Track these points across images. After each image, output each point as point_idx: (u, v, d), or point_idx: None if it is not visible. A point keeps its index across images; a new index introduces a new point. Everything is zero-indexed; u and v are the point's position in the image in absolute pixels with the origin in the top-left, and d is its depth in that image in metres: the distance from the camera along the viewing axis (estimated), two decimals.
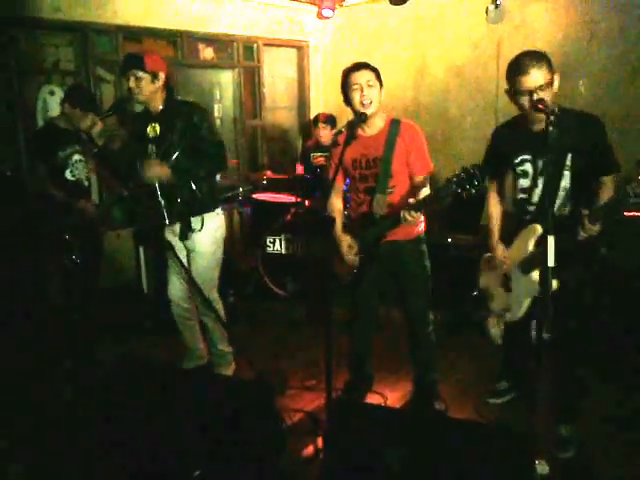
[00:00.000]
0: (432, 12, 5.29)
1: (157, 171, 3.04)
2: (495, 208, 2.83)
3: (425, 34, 5.39)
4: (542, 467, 2.45)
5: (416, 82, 5.48)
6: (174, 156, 3.06)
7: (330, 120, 5.13)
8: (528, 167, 2.55)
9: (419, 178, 2.81)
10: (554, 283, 2.32)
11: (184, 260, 3.28)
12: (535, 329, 2.20)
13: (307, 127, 6.41)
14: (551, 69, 2.36)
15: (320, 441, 2.74)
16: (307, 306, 4.54)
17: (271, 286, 4.81)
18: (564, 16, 4.40)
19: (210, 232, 3.23)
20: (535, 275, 2.45)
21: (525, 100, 2.36)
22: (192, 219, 3.17)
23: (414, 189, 2.83)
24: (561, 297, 2.30)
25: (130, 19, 4.95)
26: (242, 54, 5.86)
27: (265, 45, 6.01)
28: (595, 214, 2.22)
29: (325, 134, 5.06)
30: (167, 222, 3.18)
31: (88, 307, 3.93)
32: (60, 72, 4.82)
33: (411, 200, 2.62)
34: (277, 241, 4.85)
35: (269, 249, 4.85)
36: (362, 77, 2.76)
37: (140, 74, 2.99)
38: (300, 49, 6.35)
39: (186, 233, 3.18)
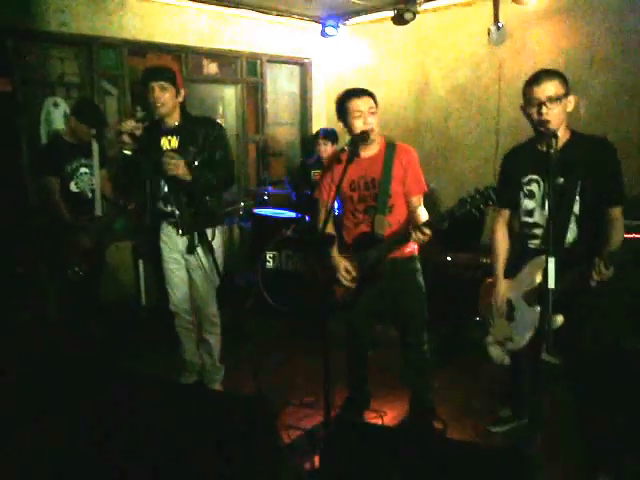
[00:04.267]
0: (435, 32, 5.34)
1: (180, 165, 2.97)
2: (502, 244, 2.74)
3: (427, 54, 5.44)
4: None
5: (418, 101, 5.53)
6: (192, 167, 3.05)
7: (331, 136, 5.04)
8: (535, 188, 2.52)
9: (415, 198, 2.86)
10: (559, 319, 2.32)
11: (185, 274, 3.30)
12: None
13: (308, 143, 6.44)
14: (564, 85, 2.37)
15: (318, 459, 2.73)
16: (306, 322, 4.52)
17: (270, 302, 4.80)
18: (565, 39, 4.45)
19: (216, 247, 3.23)
20: (538, 310, 2.43)
21: (534, 112, 2.36)
22: (204, 231, 3.17)
23: (410, 208, 2.87)
24: (568, 330, 2.29)
25: (135, 34, 5.00)
26: (245, 70, 5.91)
27: (268, 61, 6.07)
28: (611, 258, 2.16)
29: (325, 150, 4.92)
30: (180, 233, 3.18)
31: (89, 321, 3.93)
32: (65, 85, 4.86)
33: (424, 219, 2.66)
34: (277, 257, 4.85)
35: (269, 264, 4.85)
36: (364, 104, 2.78)
37: (167, 86, 3.00)
38: (303, 66, 6.41)
39: (194, 246, 3.18)
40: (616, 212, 2.38)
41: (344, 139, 5.29)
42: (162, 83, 2.98)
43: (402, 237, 2.71)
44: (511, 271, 2.68)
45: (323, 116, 6.54)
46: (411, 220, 2.83)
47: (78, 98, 4.79)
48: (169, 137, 3.13)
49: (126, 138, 2.92)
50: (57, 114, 4.74)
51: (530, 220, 2.56)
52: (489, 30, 4.89)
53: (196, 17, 5.35)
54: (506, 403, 3.13)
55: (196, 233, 3.16)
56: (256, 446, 2.34)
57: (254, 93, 6.10)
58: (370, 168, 2.87)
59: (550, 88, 2.33)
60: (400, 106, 5.65)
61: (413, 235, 2.60)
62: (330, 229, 3.06)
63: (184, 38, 5.30)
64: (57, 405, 3.28)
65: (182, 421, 2.39)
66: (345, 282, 2.89)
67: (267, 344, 4.30)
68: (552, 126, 2.32)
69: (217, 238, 3.26)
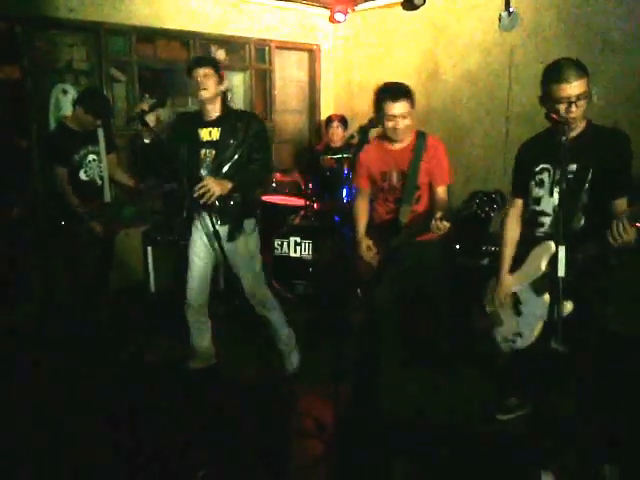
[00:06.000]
0: (445, 18, 5.28)
1: (217, 190, 3.00)
2: (511, 232, 2.74)
3: (437, 40, 5.38)
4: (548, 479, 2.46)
5: (427, 88, 5.48)
6: (230, 162, 3.12)
7: (343, 121, 5.19)
8: (545, 176, 2.52)
9: (439, 188, 3.00)
10: (569, 306, 2.31)
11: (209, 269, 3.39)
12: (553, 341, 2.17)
13: (317, 131, 6.42)
14: (589, 81, 2.36)
15: (325, 445, 2.75)
16: (317, 310, 4.54)
17: (278, 288, 4.81)
18: (577, 25, 4.39)
19: (251, 235, 3.33)
20: (547, 298, 2.43)
21: (562, 108, 2.33)
22: (242, 221, 3.25)
23: (435, 198, 3.00)
24: (578, 314, 2.30)
25: (144, 20, 4.98)
26: (254, 57, 5.88)
27: (277, 48, 6.03)
28: (636, 214, 2.07)
29: (338, 133, 5.15)
30: (219, 223, 3.21)
31: (99, 308, 3.96)
32: (73, 71, 4.85)
33: (439, 214, 2.69)
34: (285, 244, 4.85)
35: (277, 252, 4.86)
36: (399, 110, 2.89)
37: (211, 72, 3.06)
38: (312, 52, 6.37)
39: (234, 235, 3.23)
40: (622, 203, 2.35)
41: (353, 125, 5.31)
42: (206, 70, 3.04)
43: (423, 227, 2.80)
44: (517, 263, 2.67)
45: (332, 103, 6.51)
46: (433, 210, 2.90)
47: (85, 87, 4.78)
48: (210, 129, 3.17)
49: (145, 125, 3.01)
50: (66, 101, 4.73)
51: (537, 208, 2.56)
52: (500, 16, 4.83)
53: (204, 3, 5.31)
54: (512, 391, 3.14)
55: (236, 223, 3.23)
56: (262, 431, 2.36)
57: (262, 80, 6.07)
58: (400, 160, 3.02)
59: (581, 86, 2.31)
60: None
61: (432, 225, 2.67)
62: (364, 212, 3.24)
63: (192, 24, 5.28)
64: (67, 394, 3.33)
65: (186, 406, 2.41)
66: (367, 257, 3.07)
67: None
68: (577, 121, 2.33)
69: (252, 226, 3.33)
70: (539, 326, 2.51)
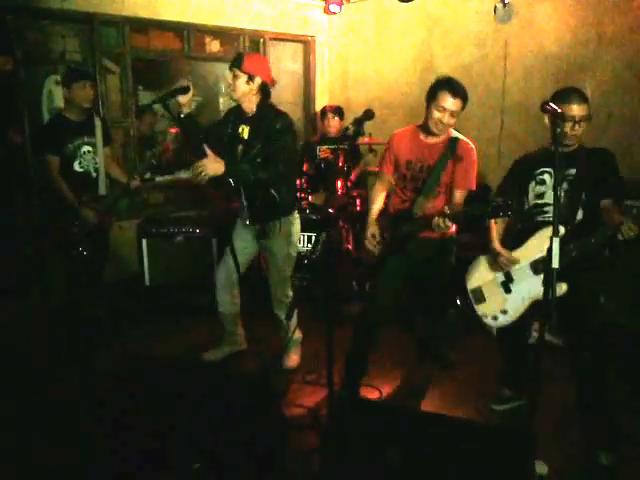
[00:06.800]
0: (439, 10, 5.27)
1: (211, 170, 2.96)
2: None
3: (432, 32, 5.37)
4: (541, 467, 2.48)
5: (422, 80, 5.46)
6: (259, 159, 3.13)
7: (338, 111, 5.21)
8: (547, 177, 2.77)
9: (458, 191, 2.99)
10: (564, 286, 2.54)
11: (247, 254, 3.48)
12: (538, 330, 2.23)
13: (312, 123, 6.40)
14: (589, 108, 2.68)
15: (320, 436, 2.76)
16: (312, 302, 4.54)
17: None
18: (572, 17, 4.39)
19: (286, 235, 3.35)
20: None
21: (567, 126, 2.63)
22: (270, 223, 3.29)
23: (451, 200, 3.01)
24: (574, 299, 2.52)
25: (137, 11, 4.94)
26: (248, 48, 5.84)
27: (271, 39, 6.00)
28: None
29: (334, 124, 5.18)
30: (248, 223, 3.32)
31: (93, 301, 3.95)
32: (66, 62, 4.81)
33: (446, 209, 2.73)
34: None
35: None
36: (453, 106, 2.89)
37: (237, 72, 3.09)
38: (306, 44, 6.34)
39: (264, 234, 3.31)
40: (608, 202, 2.66)
41: (347, 117, 5.30)
42: (234, 69, 3.10)
43: (428, 223, 2.80)
44: (514, 243, 2.83)
45: (326, 95, 6.49)
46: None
47: (63, 69, 4.66)
48: (243, 126, 3.24)
49: (183, 100, 3.15)
50: (59, 92, 4.70)
51: (541, 201, 2.79)
52: (495, 7, 4.82)
53: None
54: (506, 382, 3.17)
55: (265, 223, 3.29)
56: (260, 424, 2.37)
57: None
58: (428, 154, 3.01)
59: (584, 109, 2.65)
60: (404, 85, 5.60)
61: (433, 222, 2.71)
62: (379, 199, 3.23)
63: (186, 15, 5.24)
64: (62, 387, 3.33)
65: (183, 399, 2.42)
66: (368, 245, 3.09)
67: (270, 324, 4.32)
68: (577, 140, 2.68)
69: (292, 226, 3.37)
70: (526, 305, 2.75)
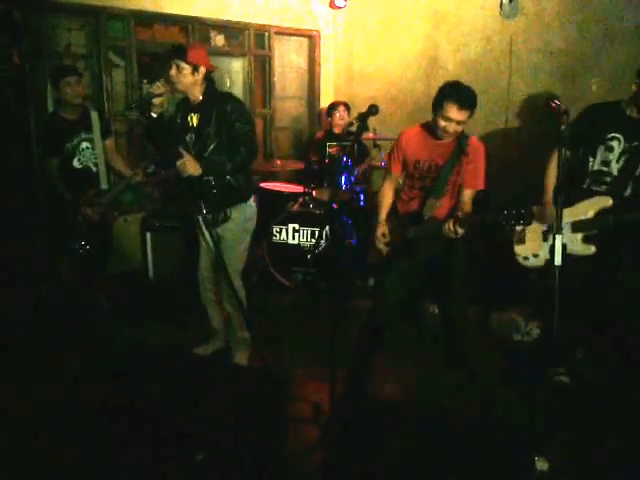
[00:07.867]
0: (445, 5, 5.24)
1: (190, 169, 3.00)
2: (554, 171, 2.92)
3: (438, 27, 5.35)
4: (542, 463, 2.48)
5: (427, 75, 5.45)
6: (210, 148, 3.13)
7: (347, 106, 5.26)
8: (615, 144, 2.90)
9: (466, 191, 2.98)
10: (592, 248, 2.97)
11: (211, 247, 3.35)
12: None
13: (318, 118, 6.39)
14: None
15: (322, 430, 2.77)
16: (315, 296, 4.56)
17: (276, 275, 4.83)
18: (579, 13, 4.36)
19: (240, 222, 3.31)
20: (578, 237, 3.01)
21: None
22: (227, 209, 3.25)
23: (459, 199, 2.99)
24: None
25: (143, 4, 4.94)
26: (253, 42, 5.84)
27: (277, 34, 5.99)
28: None
29: (345, 117, 5.25)
30: (204, 212, 3.23)
31: (97, 293, 3.96)
32: (72, 56, 4.82)
33: (460, 214, 2.75)
34: (283, 230, 4.86)
35: (275, 238, 4.87)
36: (459, 116, 2.84)
37: (182, 64, 3.06)
38: (311, 39, 6.32)
39: (217, 222, 3.26)
40: None
41: (352, 113, 5.29)
42: (177, 61, 3.06)
43: (439, 227, 2.81)
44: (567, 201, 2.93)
45: (331, 90, 6.47)
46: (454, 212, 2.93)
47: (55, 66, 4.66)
48: (192, 114, 3.21)
49: (156, 101, 3.06)
50: None
51: (605, 169, 2.96)
52: (501, 3, 4.80)
53: None
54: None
55: (218, 209, 3.23)
56: (263, 417, 2.38)
57: (262, 66, 6.04)
58: (438, 154, 3.00)
59: None
60: (409, 80, 5.58)
61: (444, 228, 2.71)
62: (388, 198, 3.21)
63: (191, 9, 5.24)
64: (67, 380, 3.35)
65: (186, 391, 2.42)
66: (378, 244, 3.09)
67: (273, 318, 4.33)
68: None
69: (247, 213, 3.32)
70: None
